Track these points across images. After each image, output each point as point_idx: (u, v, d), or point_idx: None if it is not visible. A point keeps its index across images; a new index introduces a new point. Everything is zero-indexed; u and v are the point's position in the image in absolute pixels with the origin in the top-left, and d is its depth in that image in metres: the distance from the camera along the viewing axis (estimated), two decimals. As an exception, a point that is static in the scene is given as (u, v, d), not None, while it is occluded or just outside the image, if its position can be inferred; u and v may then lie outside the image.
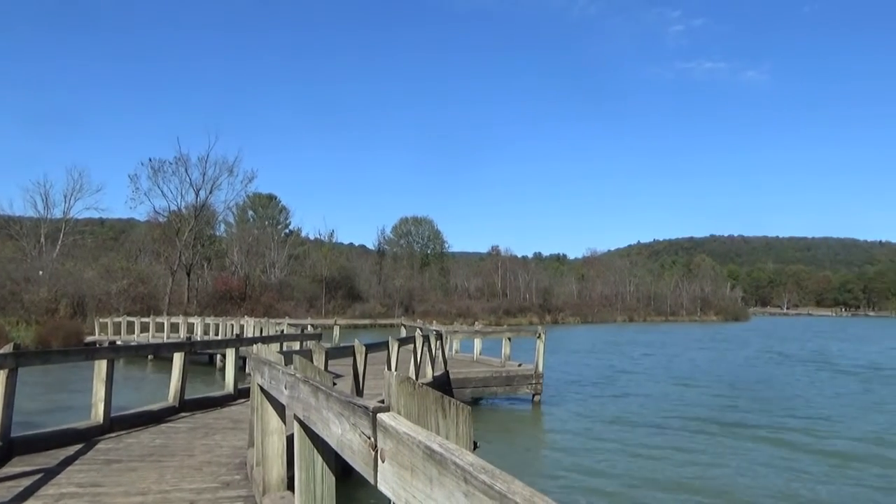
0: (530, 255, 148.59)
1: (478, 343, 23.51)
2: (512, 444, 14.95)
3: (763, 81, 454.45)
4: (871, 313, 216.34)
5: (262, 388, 5.64)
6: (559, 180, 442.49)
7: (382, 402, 2.49)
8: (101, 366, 9.37)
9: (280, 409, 5.39)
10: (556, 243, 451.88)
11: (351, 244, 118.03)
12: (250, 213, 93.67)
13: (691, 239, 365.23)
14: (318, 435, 3.30)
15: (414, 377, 14.73)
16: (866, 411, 19.61)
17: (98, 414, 9.26)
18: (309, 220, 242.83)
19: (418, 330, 19.57)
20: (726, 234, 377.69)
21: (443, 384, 17.42)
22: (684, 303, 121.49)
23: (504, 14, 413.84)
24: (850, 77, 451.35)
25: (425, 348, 16.88)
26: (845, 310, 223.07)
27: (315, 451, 3.66)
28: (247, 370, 13.01)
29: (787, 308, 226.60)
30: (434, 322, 32.86)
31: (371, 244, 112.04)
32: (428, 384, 13.02)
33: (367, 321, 59.49)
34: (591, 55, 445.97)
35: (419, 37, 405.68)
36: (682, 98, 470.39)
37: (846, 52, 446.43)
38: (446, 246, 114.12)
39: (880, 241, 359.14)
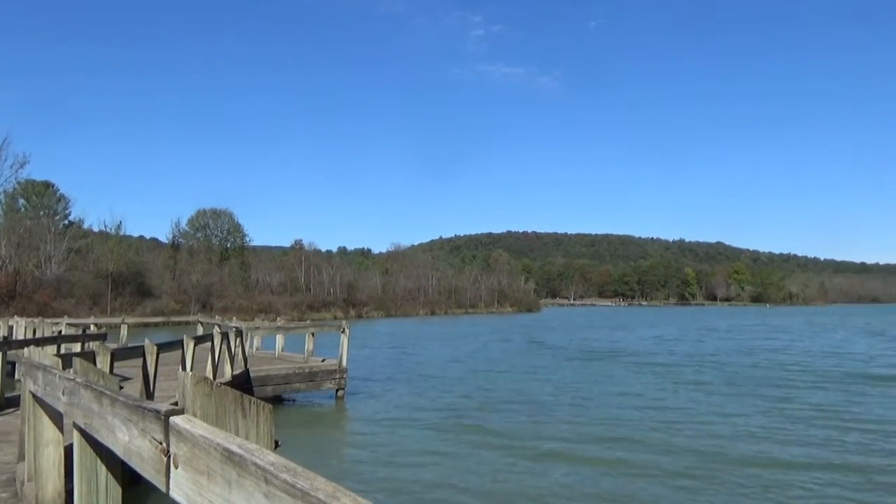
0: (335, 250, 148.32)
1: (280, 339, 23.00)
2: (315, 440, 14.80)
3: (555, 87, 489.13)
4: (644, 303, 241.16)
5: (34, 396, 5.09)
6: (364, 175, 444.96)
7: (176, 404, 2.35)
8: None
9: (57, 418, 4.90)
10: (361, 238, 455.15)
11: (141, 237, 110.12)
12: (21, 201, 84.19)
13: (489, 235, 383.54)
14: (102, 443, 3.04)
15: (211, 377, 14.08)
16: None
17: None
18: (93, 211, 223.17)
19: (216, 327, 18.73)
20: (521, 230, 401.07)
21: (243, 383, 16.82)
22: (483, 295, 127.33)
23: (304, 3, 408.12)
24: (629, 87, 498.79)
25: (224, 346, 16.19)
26: (623, 300, 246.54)
27: (98, 460, 3.37)
28: (16, 376, 11.67)
29: (574, 299, 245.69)
30: (234, 318, 31.61)
31: (164, 237, 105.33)
32: (226, 383, 12.51)
33: (159, 319, 55.94)
34: (397, 52, 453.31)
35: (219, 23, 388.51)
36: (484, 99, 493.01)
37: (627, 64, 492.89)
38: (247, 239, 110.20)
39: (652, 238, 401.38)
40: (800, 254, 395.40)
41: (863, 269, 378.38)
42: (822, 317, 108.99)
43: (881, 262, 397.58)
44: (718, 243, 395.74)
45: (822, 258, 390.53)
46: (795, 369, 28.30)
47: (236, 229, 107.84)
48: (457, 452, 13.22)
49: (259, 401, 2.35)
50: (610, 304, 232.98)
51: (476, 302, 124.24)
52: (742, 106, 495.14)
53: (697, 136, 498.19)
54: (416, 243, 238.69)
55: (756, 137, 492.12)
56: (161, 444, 2.13)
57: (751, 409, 18.07)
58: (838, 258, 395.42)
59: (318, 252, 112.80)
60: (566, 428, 15.63)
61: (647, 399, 20.02)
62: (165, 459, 2.09)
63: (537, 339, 49.84)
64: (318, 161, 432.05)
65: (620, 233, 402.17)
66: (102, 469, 3.38)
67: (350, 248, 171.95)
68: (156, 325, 50.59)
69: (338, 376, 20.07)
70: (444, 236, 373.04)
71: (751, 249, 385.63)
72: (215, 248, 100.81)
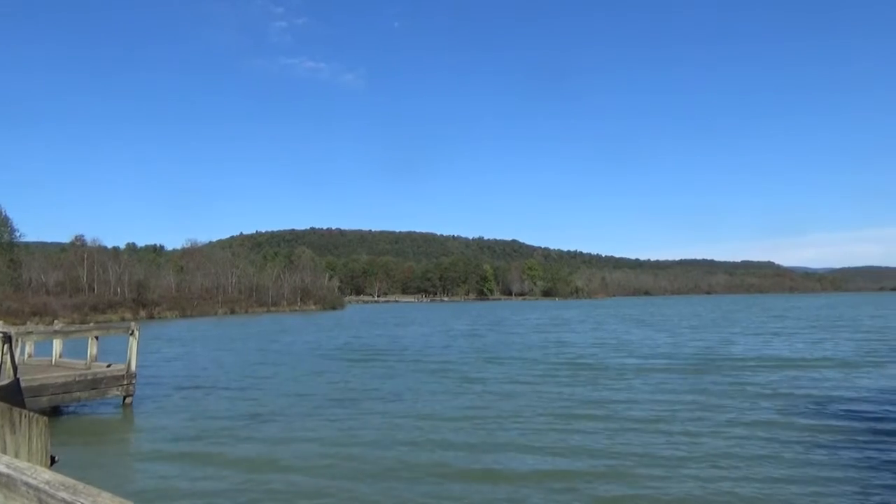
0: (123, 246, 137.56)
1: (57, 345, 20.92)
2: (99, 453, 13.72)
3: (359, 84, 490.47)
4: (446, 298, 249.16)
5: None
6: (156, 166, 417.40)
7: (-72, 423, 2.10)
8: None
9: None
10: (153, 233, 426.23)
11: None
12: None
13: (293, 231, 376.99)
14: None
15: (-26, 389, 12.53)
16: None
17: None
18: None
19: (-21, 333, 16.65)
20: (325, 228, 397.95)
21: (13, 394, 15.09)
22: (286, 293, 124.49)
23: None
24: (432, 87, 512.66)
25: (-11, 354, 14.47)
26: (425, 296, 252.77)
27: None
28: None
29: (378, 296, 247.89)
30: (0, 322, 28.31)
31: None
32: (-7, 396, 11.22)
33: None
34: (199, 41, 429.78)
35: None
36: (286, 93, 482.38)
37: (431, 64, 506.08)
38: (17, 235, 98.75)
39: (454, 236, 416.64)
40: (585, 251, 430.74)
41: (637, 264, 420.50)
42: (602, 309, 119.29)
43: (652, 259, 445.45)
44: (514, 241, 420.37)
45: (603, 255, 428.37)
46: (576, 362, 30.23)
47: (3, 223, 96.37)
48: (245, 459, 12.92)
49: (32, 413, 2.18)
50: (413, 300, 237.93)
51: (279, 300, 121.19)
52: (534, 119, 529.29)
53: (496, 143, 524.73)
54: (214, 239, 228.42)
55: (544, 147, 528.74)
56: None
57: (523, 407, 18.09)
58: (617, 255, 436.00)
59: (102, 249, 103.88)
60: (326, 439, 15.83)
61: (422, 402, 20.04)
62: (-86, 485, 1.87)
63: (332, 338, 49.80)
64: (104, 151, 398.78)
65: (423, 230, 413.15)
66: None
67: (140, 244, 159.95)
68: None
69: (125, 382, 18.71)
70: (244, 232, 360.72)
71: (542, 247, 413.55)
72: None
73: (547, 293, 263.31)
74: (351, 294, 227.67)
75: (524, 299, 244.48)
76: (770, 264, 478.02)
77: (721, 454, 12.61)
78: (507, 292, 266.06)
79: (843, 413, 16.60)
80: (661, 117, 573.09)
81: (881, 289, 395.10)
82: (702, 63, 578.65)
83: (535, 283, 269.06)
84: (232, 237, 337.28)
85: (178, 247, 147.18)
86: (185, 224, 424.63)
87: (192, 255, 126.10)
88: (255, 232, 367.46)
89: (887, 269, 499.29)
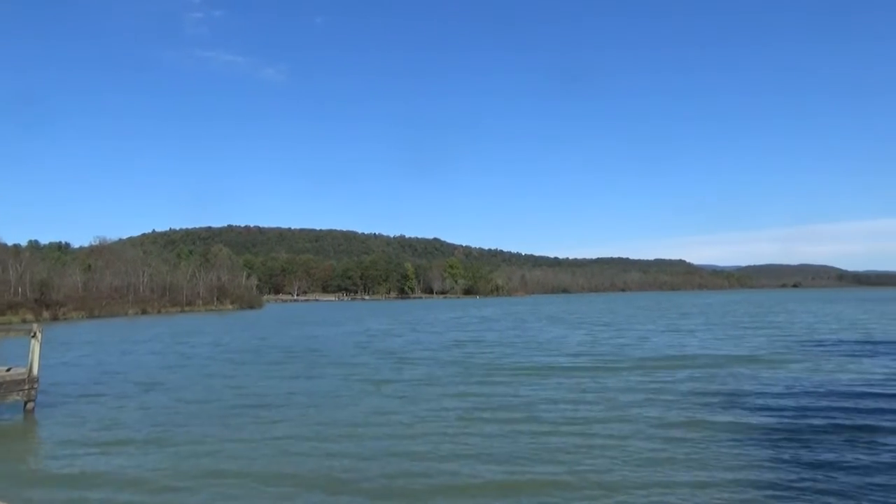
0: (24, 243, 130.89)
1: (-48, 348, 19.92)
2: (-3, 461, 13.14)
3: (280, 80, 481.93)
4: (367, 297, 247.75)
5: None
6: (59, 162, 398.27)
7: None
8: None
9: None
10: (58, 230, 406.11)
11: None
12: None
13: (209, 229, 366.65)
14: None
15: None
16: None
17: None
18: None
19: None
20: (243, 225, 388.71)
21: None
22: (201, 292, 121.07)
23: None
24: (357, 83, 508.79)
25: None
26: (346, 294, 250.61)
27: None
28: None
29: (298, 294, 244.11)
30: None
31: None
32: None
33: None
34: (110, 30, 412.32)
35: None
36: (203, 87, 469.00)
37: (354, 61, 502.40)
38: None
39: (375, 234, 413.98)
40: (505, 249, 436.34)
41: (556, 263, 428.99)
42: (520, 307, 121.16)
43: (570, 258, 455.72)
44: (435, 239, 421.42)
45: (523, 253, 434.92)
46: (493, 363, 30.52)
47: None
48: (153, 468, 12.67)
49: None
50: (333, 299, 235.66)
51: (194, 299, 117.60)
52: (463, 126, 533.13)
53: (420, 142, 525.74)
54: (124, 237, 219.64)
55: (466, 150, 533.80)
56: None
57: (429, 412, 17.73)
58: (537, 253, 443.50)
59: (2, 246, 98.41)
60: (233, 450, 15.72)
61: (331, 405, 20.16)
62: None
63: (245, 339, 49.02)
64: (4, 145, 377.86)
65: (344, 228, 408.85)
66: None
67: (43, 241, 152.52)
68: None
69: (27, 387, 17.93)
70: (157, 229, 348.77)
71: (464, 245, 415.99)
72: None
73: (468, 291, 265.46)
74: (270, 293, 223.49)
75: (445, 297, 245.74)
76: (681, 262, 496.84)
77: (641, 456, 12.81)
78: (429, 290, 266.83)
79: (755, 410, 17.07)
80: (575, 120, 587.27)
81: (782, 285, 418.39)
82: (619, 68, 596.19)
83: (456, 282, 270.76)
84: (144, 234, 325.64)
85: (86, 244, 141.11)
86: (93, 221, 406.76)
87: (101, 253, 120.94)
88: (168, 229, 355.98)
89: (787, 266, 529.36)
